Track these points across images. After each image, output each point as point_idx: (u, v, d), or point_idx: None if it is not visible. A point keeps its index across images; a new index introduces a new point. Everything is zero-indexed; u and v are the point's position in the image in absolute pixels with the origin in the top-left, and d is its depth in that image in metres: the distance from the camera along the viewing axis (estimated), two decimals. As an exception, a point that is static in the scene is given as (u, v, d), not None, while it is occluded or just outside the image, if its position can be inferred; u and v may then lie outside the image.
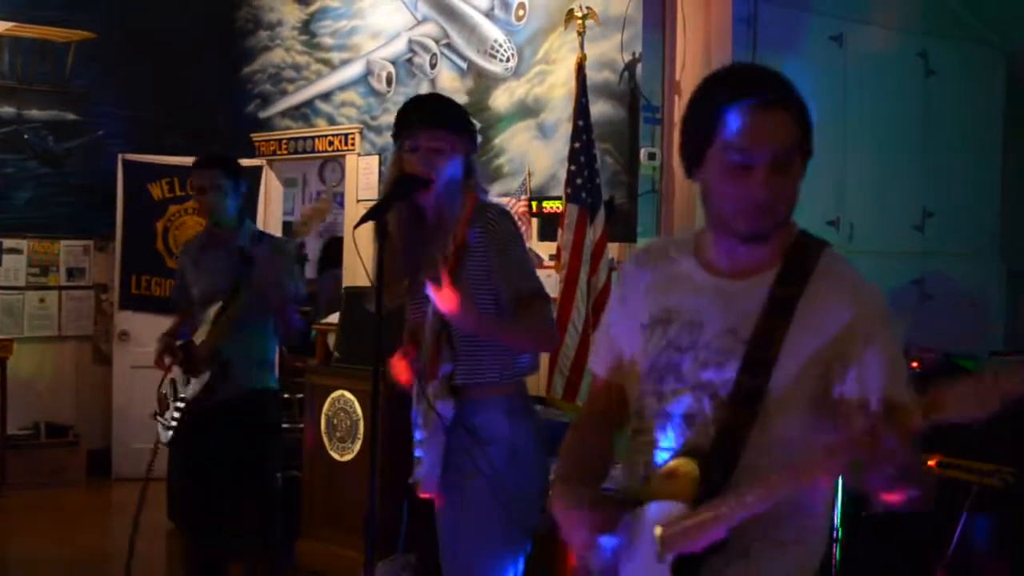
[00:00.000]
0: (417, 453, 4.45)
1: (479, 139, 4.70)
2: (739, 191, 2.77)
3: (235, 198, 6.32)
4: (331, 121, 10.59)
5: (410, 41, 9.79)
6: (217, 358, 6.12)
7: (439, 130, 4.38)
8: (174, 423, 6.24)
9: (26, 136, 10.82)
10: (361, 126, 10.24)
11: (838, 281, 2.83)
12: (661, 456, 2.90)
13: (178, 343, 6.35)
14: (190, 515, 6.49)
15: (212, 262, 6.32)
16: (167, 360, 6.29)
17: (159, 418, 6.36)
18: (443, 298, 4.10)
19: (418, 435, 4.46)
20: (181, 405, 6.25)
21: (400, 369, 4.48)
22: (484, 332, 4.28)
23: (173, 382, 6.33)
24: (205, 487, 6.36)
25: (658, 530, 2.75)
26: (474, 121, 4.70)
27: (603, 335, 3.24)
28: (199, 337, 6.25)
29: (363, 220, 4.21)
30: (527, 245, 4.60)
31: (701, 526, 2.69)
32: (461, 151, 4.43)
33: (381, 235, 4.21)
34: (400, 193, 4.35)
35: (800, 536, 2.86)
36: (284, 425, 11.41)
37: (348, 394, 7.89)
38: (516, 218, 4.55)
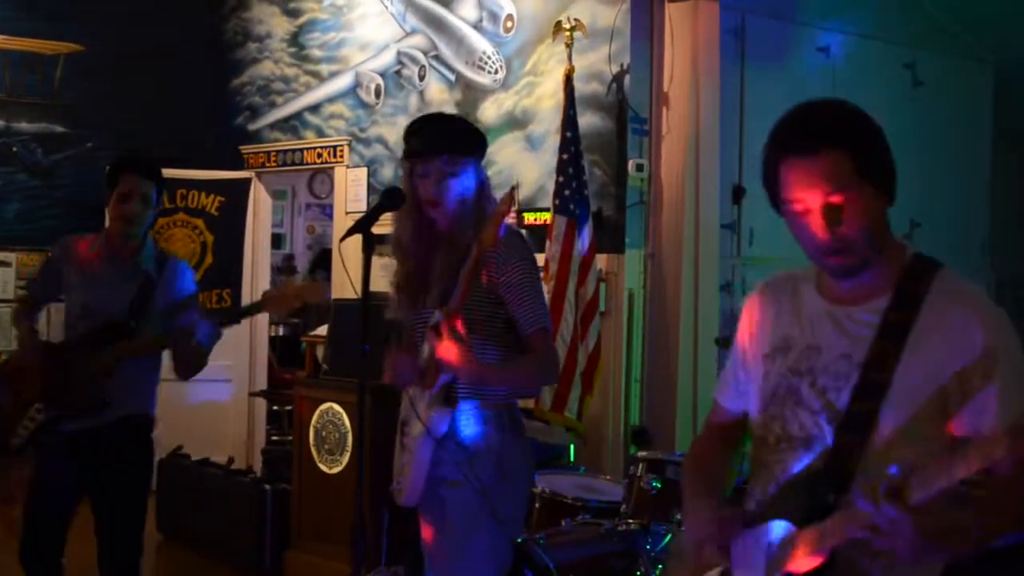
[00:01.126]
0: (403, 459, 4.45)
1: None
2: (806, 237, 2.85)
3: (154, 212, 5.78)
4: (320, 133, 10.59)
5: (399, 53, 9.80)
6: (99, 396, 5.57)
7: (449, 155, 4.37)
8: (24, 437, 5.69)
9: (15, 149, 10.80)
10: (350, 138, 10.24)
11: (961, 303, 2.83)
12: (783, 479, 2.98)
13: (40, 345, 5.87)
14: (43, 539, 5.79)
15: (107, 276, 5.74)
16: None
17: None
18: (445, 349, 4.11)
19: (404, 440, 4.45)
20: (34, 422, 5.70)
21: (389, 368, 4.46)
22: (482, 383, 4.28)
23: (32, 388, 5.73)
24: (65, 506, 5.80)
25: (769, 549, 2.88)
26: (483, 136, 4.65)
27: (729, 365, 3.31)
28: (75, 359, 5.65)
29: (350, 232, 4.21)
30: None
31: (808, 545, 2.77)
32: (472, 169, 4.42)
33: (368, 247, 4.21)
34: (385, 205, 4.36)
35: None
36: (273, 437, 11.52)
37: (336, 406, 7.87)
38: (524, 238, 4.50)
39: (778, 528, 2.87)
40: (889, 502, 2.51)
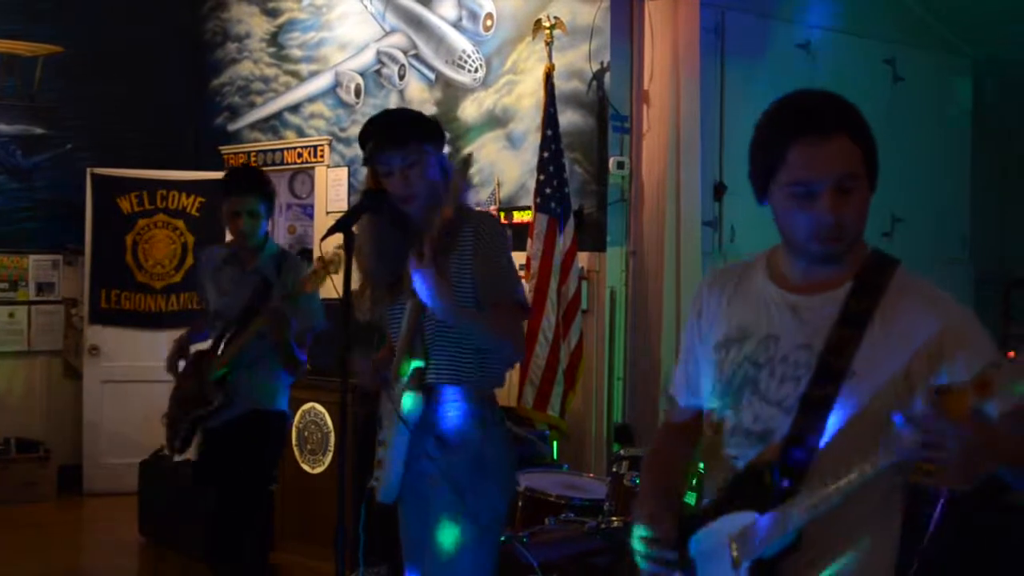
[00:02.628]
0: (379, 455, 4.44)
1: (447, 147, 4.65)
2: (807, 218, 2.83)
3: (266, 221, 6.27)
4: (300, 133, 10.58)
5: (378, 52, 9.79)
6: (223, 387, 6.10)
7: (405, 148, 4.36)
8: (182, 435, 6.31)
9: (-7, 150, 10.79)
10: (330, 138, 10.23)
11: (921, 295, 2.86)
12: (739, 468, 2.97)
13: (192, 350, 6.40)
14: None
15: (230, 281, 6.27)
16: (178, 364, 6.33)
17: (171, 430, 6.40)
18: (423, 273, 4.11)
19: (381, 435, 4.44)
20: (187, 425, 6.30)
21: (367, 371, 4.46)
22: (456, 317, 4.23)
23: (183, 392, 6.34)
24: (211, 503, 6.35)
25: (732, 540, 2.87)
26: (433, 118, 4.67)
27: (681, 360, 3.30)
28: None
29: (330, 232, 4.21)
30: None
31: (772, 529, 2.78)
32: (432, 154, 4.41)
33: (348, 247, 4.21)
34: (365, 205, 4.35)
35: (877, 537, 2.91)
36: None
37: (319, 406, 7.88)
38: (499, 224, 4.53)
39: (739, 520, 2.86)
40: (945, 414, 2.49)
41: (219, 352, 6.14)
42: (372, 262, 4.45)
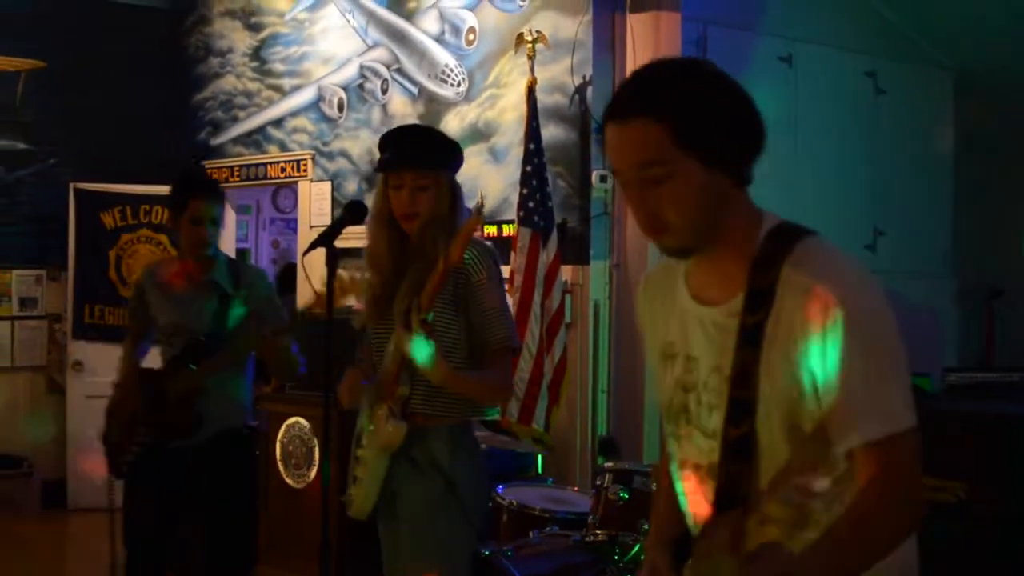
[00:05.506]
0: (356, 471, 4.44)
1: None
2: (632, 211, 2.56)
3: (221, 228, 6.03)
4: (283, 147, 10.58)
5: (361, 67, 9.79)
6: (194, 416, 5.85)
7: (423, 169, 4.36)
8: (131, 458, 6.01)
9: (-24, 166, 10.77)
10: (313, 152, 10.23)
11: (816, 282, 2.43)
12: (684, 506, 2.76)
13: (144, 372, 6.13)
14: (145, 545, 6.31)
15: (188, 295, 5.96)
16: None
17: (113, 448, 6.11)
18: (414, 346, 4.11)
19: (358, 453, 4.44)
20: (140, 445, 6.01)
21: (344, 391, 4.46)
22: (449, 384, 4.25)
23: (133, 414, 6.02)
24: (162, 522, 6.07)
25: None
26: (457, 145, 4.64)
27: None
28: (175, 378, 5.93)
29: (312, 246, 4.21)
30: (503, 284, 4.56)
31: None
32: (446, 182, 4.41)
33: (332, 261, 4.21)
34: (348, 219, 4.36)
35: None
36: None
37: (303, 420, 7.87)
38: (496, 256, 4.49)
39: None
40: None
41: (183, 370, 5.87)
42: (371, 272, 4.47)
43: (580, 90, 8.10)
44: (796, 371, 2.45)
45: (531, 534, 5.78)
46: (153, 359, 6.20)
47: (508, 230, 8.27)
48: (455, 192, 4.45)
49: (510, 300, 7.42)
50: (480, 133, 8.77)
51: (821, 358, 2.42)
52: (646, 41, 8.00)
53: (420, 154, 4.39)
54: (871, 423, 2.41)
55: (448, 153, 4.51)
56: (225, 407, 5.94)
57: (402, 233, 4.41)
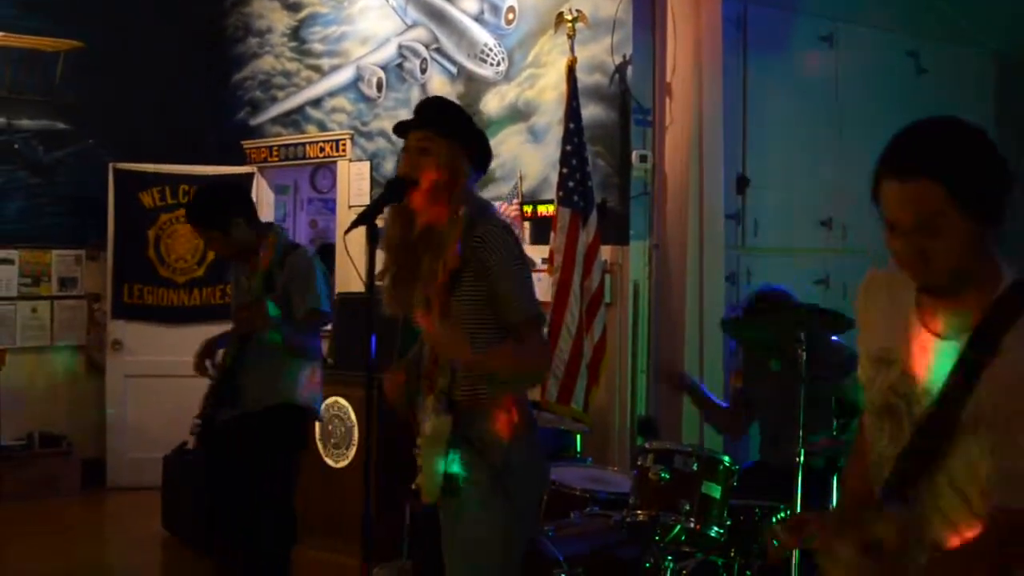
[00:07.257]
0: (419, 461, 4.43)
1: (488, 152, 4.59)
2: (893, 247, 2.78)
3: (238, 229, 6.27)
4: (322, 127, 10.58)
5: (400, 46, 9.78)
6: (230, 379, 6.25)
7: (425, 131, 4.35)
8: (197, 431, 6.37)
9: (16, 146, 10.77)
10: (352, 132, 10.23)
11: None
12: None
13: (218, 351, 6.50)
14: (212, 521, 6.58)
15: (242, 286, 6.42)
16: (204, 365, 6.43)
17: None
18: (432, 337, 4.13)
19: (418, 441, 4.44)
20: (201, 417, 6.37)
21: (392, 386, 4.45)
22: (473, 368, 4.24)
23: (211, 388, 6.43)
24: (219, 497, 6.52)
25: None
26: (470, 122, 4.59)
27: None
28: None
29: (353, 225, 4.18)
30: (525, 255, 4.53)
31: None
32: (451, 154, 4.37)
33: (372, 239, 4.19)
34: (388, 197, 4.32)
35: None
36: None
37: (343, 400, 7.87)
38: (515, 230, 4.47)
39: None
40: None
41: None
42: (389, 257, 4.45)
43: (620, 69, 8.08)
44: (999, 416, 2.68)
45: (572, 515, 5.79)
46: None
47: (547, 210, 8.25)
48: (456, 163, 4.38)
49: (550, 280, 7.43)
50: (520, 113, 8.75)
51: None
52: (686, 20, 7.97)
53: (427, 116, 4.42)
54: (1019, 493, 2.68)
55: (456, 122, 4.46)
56: (271, 385, 6.24)
57: (412, 212, 4.38)
